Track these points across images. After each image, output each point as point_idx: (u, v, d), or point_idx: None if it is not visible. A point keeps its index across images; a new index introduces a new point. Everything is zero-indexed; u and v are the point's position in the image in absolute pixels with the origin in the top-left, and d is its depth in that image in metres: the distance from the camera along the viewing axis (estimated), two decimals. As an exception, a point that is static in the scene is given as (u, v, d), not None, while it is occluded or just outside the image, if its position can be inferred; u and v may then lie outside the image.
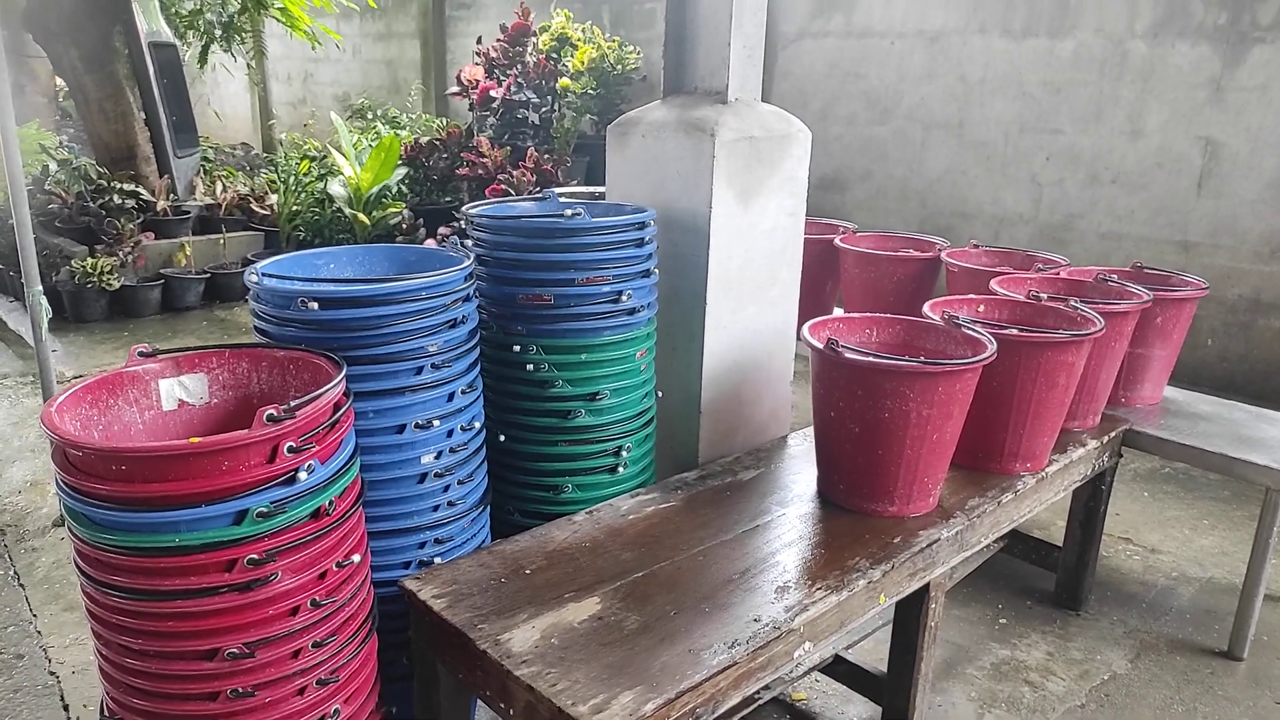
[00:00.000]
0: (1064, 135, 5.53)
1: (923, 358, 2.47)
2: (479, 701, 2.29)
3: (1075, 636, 3.18)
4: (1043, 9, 5.52)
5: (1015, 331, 2.62)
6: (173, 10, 8.01)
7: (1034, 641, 3.15)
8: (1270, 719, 2.79)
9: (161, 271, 6.92)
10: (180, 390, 1.86)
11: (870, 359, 2.33)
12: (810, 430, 2.70)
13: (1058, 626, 3.23)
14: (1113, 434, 3.10)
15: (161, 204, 7.26)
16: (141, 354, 1.82)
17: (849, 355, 2.33)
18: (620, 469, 2.57)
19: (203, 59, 8.28)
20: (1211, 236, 5.04)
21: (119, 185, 6.94)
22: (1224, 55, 4.88)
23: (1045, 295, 2.92)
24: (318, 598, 1.69)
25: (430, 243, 6.91)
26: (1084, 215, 5.52)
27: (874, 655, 2.78)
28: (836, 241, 3.95)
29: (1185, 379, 4.59)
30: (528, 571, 2.11)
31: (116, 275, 6.48)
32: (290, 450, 1.59)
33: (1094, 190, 5.45)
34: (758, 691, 2.23)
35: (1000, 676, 2.96)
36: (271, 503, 1.58)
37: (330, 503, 1.69)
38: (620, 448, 2.55)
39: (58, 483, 1.59)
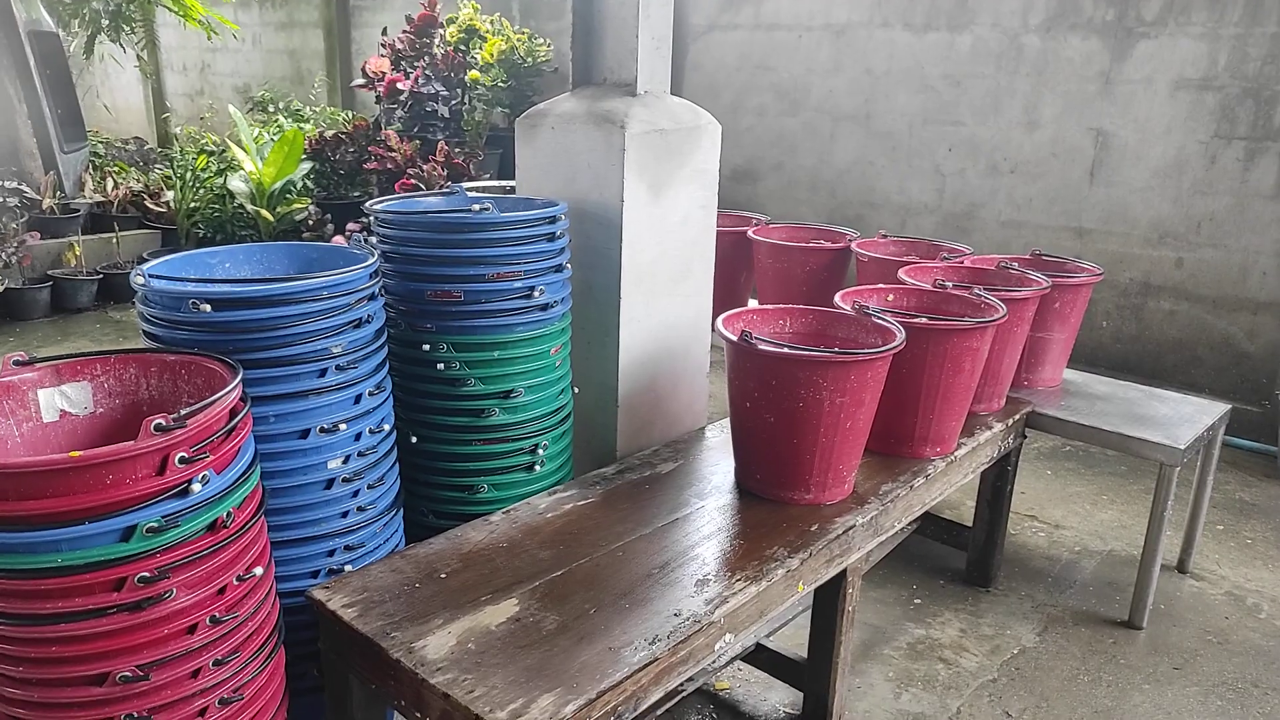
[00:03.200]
0: (965, 126, 5.68)
1: (835, 347, 2.50)
2: (394, 712, 2.23)
3: (986, 613, 3.27)
4: (942, 4, 5.65)
5: (923, 320, 2.68)
6: (54, -2, 7.60)
7: (947, 620, 3.23)
8: (1169, 684, 2.92)
9: (49, 272, 6.57)
10: (62, 400, 1.75)
11: (783, 350, 2.34)
12: (727, 421, 2.70)
13: (969, 604, 3.33)
14: (1017, 416, 3.19)
15: (48, 201, 6.89)
16: (17, 363, 1.71)
17: (763, 347, 2.33)
18: (537, 467, 2.53)
19: (89, 50, 7.88)
20: (1104, 223, 5.25)
21: (1, 182, 6.55)
22: (1112, 49, 5.08)
23: (951, 283, 2.99)
24: (217, 614, 1.61)
25: (339, 239, 6.71)
26: (985, 204, 5.68)
27: (794, 641, 2.81)
28: (749, 233, 3.98)
29: (1083, 360, 4.78)
30: (442, 575, 2.05)
31: (0, 278, 6.12)
32: (182, 461, 1.51)
33: (994, 180, 5.62)
34: (680, 685, 2.22)
35: (916, 655, 3.03)
36: (162, 517, 1.50)
37: (228, 514, 1.61)
38: (536, 445, 2.51)
39: (-77, 504, 1.48)
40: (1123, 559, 3.65)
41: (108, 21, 7.76)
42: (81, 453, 1.42)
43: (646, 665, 1.80)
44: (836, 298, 2.77)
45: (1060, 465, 4.51)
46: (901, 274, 3.15)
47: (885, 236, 3.90)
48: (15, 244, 6.29)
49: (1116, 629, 3.21)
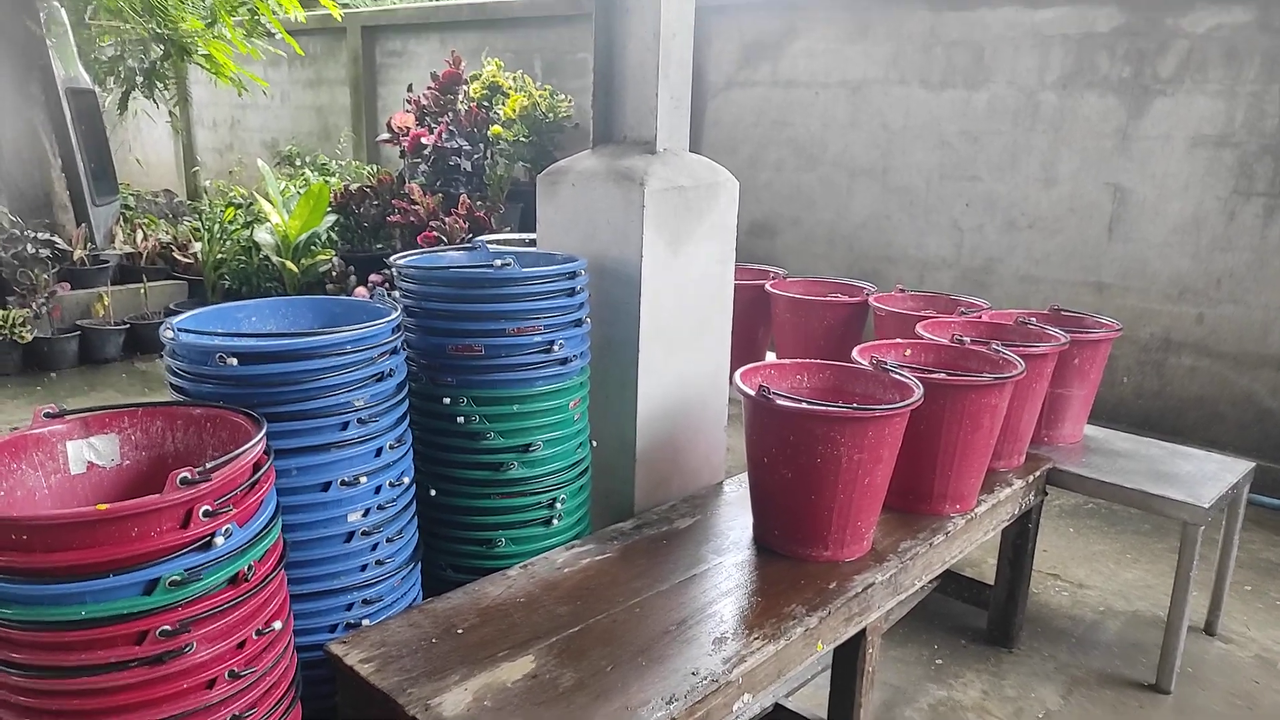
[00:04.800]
0: (982, 182, 5.72)
1: (853, 403, 2.50)
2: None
3: (1008, 674, 3.22)
4: (958, 62, 5.74)
5: (941, 375, 2.68)
6: (92, 56, 7.84)
7: (969, 680, 3.17)
8: (1197, 750, 2.85)
9: (78, 323, 6.68)
10: (90, 452, 1.78)
11: (801, 406, 2.35)
12: (745, 476, 2.70)
13: (991, 664, 3.27)
14: (1037, 473, 3.17)
15: (79, 253, 7.03)
16: (47, 415, 1.74)
17: (780, 402, 2.34)
18: (555, 521, 2.53)
19: (123, 105, 8.10)
20: (1123, 279, 5.25)
21: (33, 234, 6.70)
22: (1129, 106, 5.13)
23: (968, 338, 2.99)
24: (236, 668, 1.62)
25: (361, 290, 6.80)
26: (1003, 259, 5.70)
27: (813, 701, 2.77)
28: (767, 287, 4.01)
29: (1104, 417, 4.74)
30: (460, 630, 2.05)
31: (30, 327, 6.23)
32: (205, 514, 1.53)
33: (1012, 235, 5.64)
34: (697, 745, 2.19)
35: (938, 717, 2.97)
36: (185, 570, 1.51)
37: (249, 567, 1.62)
38: (555, 499, 2.52)
39: (-48, 555, 1.50)
40: (1148, 620, 3.58)
41: (142, 79, 7.99)
42: (108, 506, 1.44)
43: (663, 725, 1.79)
44: (854, 353, 2.78)
45: (1083, 523, 4.45)
46: (919, 329, 3.16)
47: (903, 291, 3.91)
48: (46, 295, 6.42)
49: (1143, 692, 3.14)
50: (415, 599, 2.28)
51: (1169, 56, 4.97)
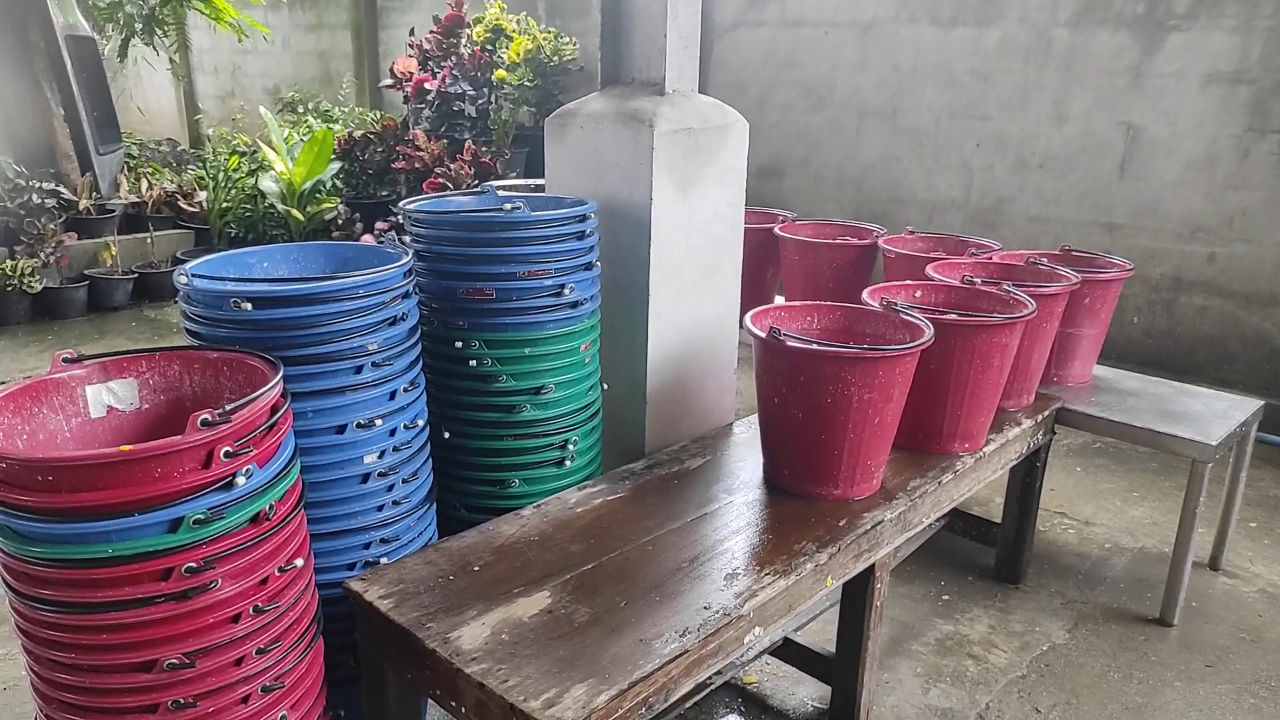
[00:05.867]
0: (992, 122, 5.65)
1: (863, 344, 2.51)
2: (429, 701, 2.27)
3: (1015, 609, 3.27)
4: (970, -2, 5.63)
5: (952, 316, 2.68)
6: (90, 3, 7.72)
7: (976, 616, 3.23)
8: (1201, 681, 2.90)
9: (86, 272, 6.70)
10: (109, 396, 1.80)
11: (812, 346, 2.36)
12: (755, 417, 2.72)
13: (998, 600, 3.32)
14: (1046, 412, 3.18)
15: (84, 202, 7.02)
16: (66, 360, 1.76)
17: (791, 343, 2.35)
18: (567, 462, 2.56)
19: (123, 52, 8.01)
20: (1135, 218, 5.20)
21: (39, 184, 6.68)
22: (1142, 42, 5.03)
23: (979, 279, 2.98)
24: (259, 604, 1.66)
25: (367, 238, 6.79)
26: (1013, 199, 5.65)
27: (822, 636, 2.82)
28: (776, 230, 3.99)
29: (1113, 356, 4.74)
30: (476, 568, 2.09)
31: (38, 277, 6.25)
32: (226, 455, 1.55)
33: (1022, 175, 5.58)
34: (709, 677, 2.24)
35: (945, 651, 3.03)
36: (208, 509, 1.54)
37: (270, 507, 1.66)
38: (566, 441, 2.55)
39: (-20, 496, 1.53)
40: (1154, 556, 3.63)
41: (141, 25, 7.87)
42: (131, 446, 1.47)
43: (677, 657, 1.83)
44: (864, 294, 2.78)
45: (1090, 462, 4.48)
46: (929, 270, 3.15)
47: (912, 232, 3.89)
48: (53, 244, 6.42)
49: (1148, 626, 3.19)
50: (431, 538, 2.32)
51: (1186, -10, 4.86)
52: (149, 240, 7.09)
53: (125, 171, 8.01)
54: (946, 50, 5.77)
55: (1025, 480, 3.34)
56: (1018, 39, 5.47)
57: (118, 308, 6.71)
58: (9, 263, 6.16)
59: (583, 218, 2.49)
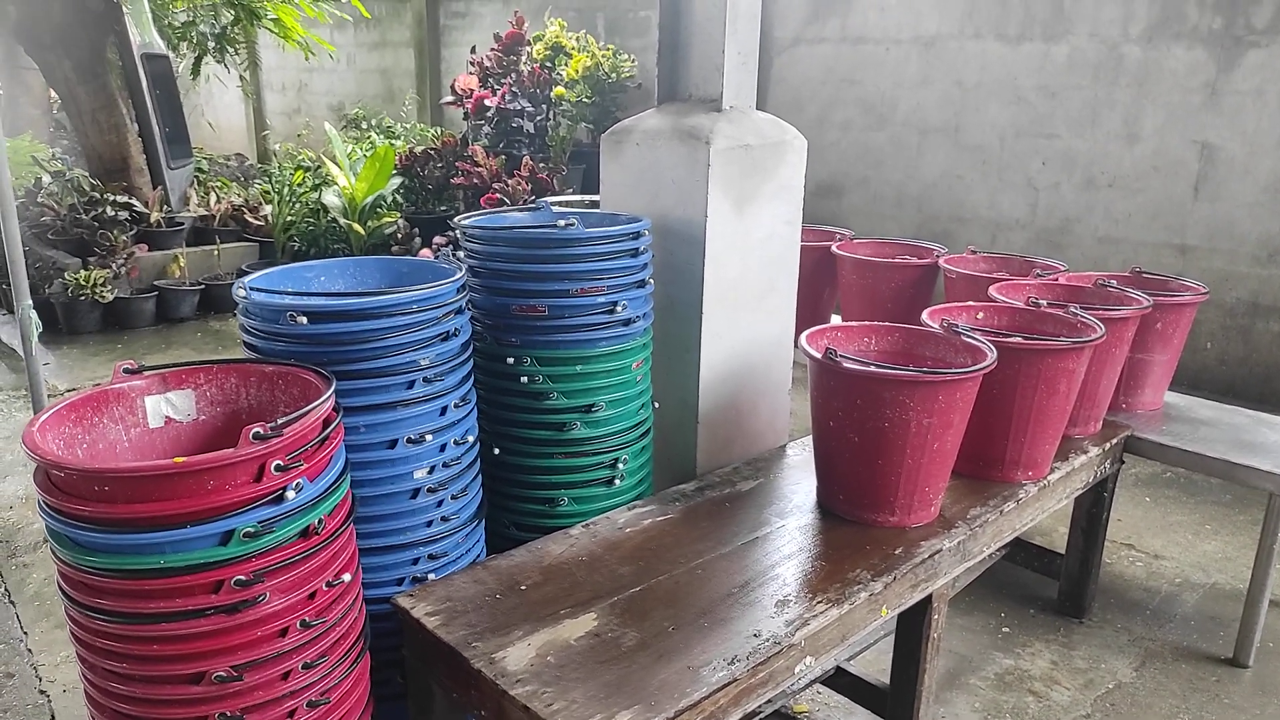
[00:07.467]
0: (1060, 139, 5.51)
1: (923, 367, 2.44)
2: (475, 720, 2.25)
3: (1079, 645, 3.15)
4: (1037, 13, 5.51)
5: (1016, 339, 2.60)
6: (165, 22, 7.99)
7: (1038, 650, 3.11)
8: (1277, 728, 2.76)
9: (155, 283, 6.89)
10: (167, 407, 1.82)
11: (869, 368, 2.30)
12: (809, 439, 2.66)
13: (1061, 635, 3.20)
14: (1114, 440, 3.07)
15: (155, 215, 7.23)
16: (127, 370, 1.79)
17: (847, 365, 2.30)
18: (617, 481, 2.53)
19: (195, 70, 8.26)
20: (1209, 240, 5.02)
21: (112, 197, 6.91)
22: (1219, 59, 4.87)
23: (1045, 301, 2.89)
24: (307, 618, 1.66)
25: (425, 252, 6.87)
26: (1081, 219, 5.50)
27: (876, 666, 2.75)
28: (833, 249, 3.93)
29: (1185, 383, 4.57)
30: (523, 587, 2.07)
31: (110, 287, 6.45)
32: (278, 468, 1.56)
33: (1091, 194, 5.43)
34: (758, 707, 2.19)
35: (1004, 686, 2.93)
36: (259, 522, 1.54)
37: (319, 521, 1.66)
38: (617, 459, 2.52)
39: (40, 504, 1.56)
40: (1227, 593, 3.46)
41: (214, 44, 8.13)
42: (185, 459, 1.48)
43: (725, 686, 1.78)
44: (924, 315, 2.71)
45: (1160, 493, 4.31)
46: (992, 291, 3.07)
47: (975, 252, 3.80)
48: (124, 255, 6.62)
49: (1220, 666, 3.04)
50: (479, 555, 2.31)
51: (1264, 5, 4.69)
52: (215, 253, 7.27)
53: (195, 185, 8.25)
54: (1012, 66, 5.66)
55: (1091, 510, 3.22)
56: (1087, 55, 5.34)
57: (184, 319, 6.89)
58: (82, 273, 6.36)
59: (636, 235, 2.47)
